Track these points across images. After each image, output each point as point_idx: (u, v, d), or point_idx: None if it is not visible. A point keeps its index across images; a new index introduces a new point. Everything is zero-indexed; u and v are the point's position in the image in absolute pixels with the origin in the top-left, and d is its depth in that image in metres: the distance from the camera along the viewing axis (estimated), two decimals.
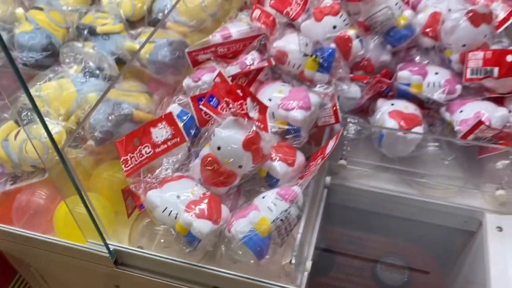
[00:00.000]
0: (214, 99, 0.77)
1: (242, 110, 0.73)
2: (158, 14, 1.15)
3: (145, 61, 1.01)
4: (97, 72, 0.97)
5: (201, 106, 0.78)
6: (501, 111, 0.84)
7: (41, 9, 1.09)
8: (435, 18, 0.94)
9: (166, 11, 1.14)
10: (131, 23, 1.16)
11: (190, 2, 1.12)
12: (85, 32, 1.07)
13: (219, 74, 0.79)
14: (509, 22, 0.97)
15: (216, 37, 0.97)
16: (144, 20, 1.17)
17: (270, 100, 0.81)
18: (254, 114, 0.74)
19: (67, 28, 1.11)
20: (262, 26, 0.88)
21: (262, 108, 0.75)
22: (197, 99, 0.81)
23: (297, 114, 0.78)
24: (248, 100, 0.73)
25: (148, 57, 1.00)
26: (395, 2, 0.91)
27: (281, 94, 0.81)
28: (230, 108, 0.73)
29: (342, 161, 0.91)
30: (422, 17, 0.95)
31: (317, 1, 0.95)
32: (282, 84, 0.85)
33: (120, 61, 1.06)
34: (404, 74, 0.92)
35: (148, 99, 0.92)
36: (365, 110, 0.97)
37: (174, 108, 0.84)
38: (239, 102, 0.74)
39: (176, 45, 1.01)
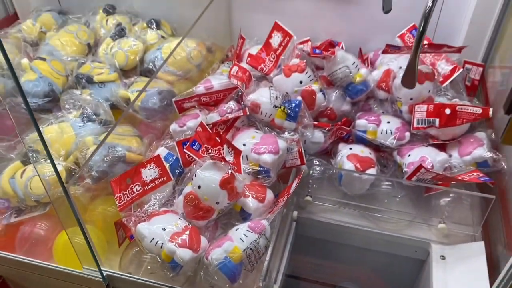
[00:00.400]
0: (196, 143, 0.91)
1: (220, 154, 0.87)
2: (149, 64, 1.29)
3: (137, 107, 1.14)
4: (94, 117, 1.10)
5: (185, 150, 0.92)
6: (442, 156, 0.99)
7: (44, 59, 1.23)
8: (388, 75, 1.09)
9: (156, 62, 1.28)
10: (125, 72, 1.30)
11: (177, 54, 1.27)
12: (83, 80, 1.20)
13: (201, 124, 0.92)
14: (452, 78, 1.13)
15: (199, 88, 1.11)
16: (136, 69, 1.31)
17: (244, 145, 0.94)
18: (229, 158, 0.87)
19: (66, 76, 1.25)
20: (238, 82, 1.02)
21: (237, 153, 0.88)
22: (181, 143, 0.94)
23: (267, 158, 0.91)
24: (225, 146, 0.87)
25: (140, 104, 1.13)
26: (352, 61, 1.07)
27: (254, 140, 0.95)
28: (210, 153, 0.86)
29: (308, 198, 1.04)
30: (377, 74, 1.11)
31: (287, 60, 1.11)
32: (255, 131, 0.99)
33: (114, 107, 1.19)
34: (361, 123, 1.07)
35: (139, 142, 1.05)
36: (329, 152, 1.11)
37: (161, 151, 0.97)
38: (217, 148, 0.87)
39: (165, 94, 1.15)
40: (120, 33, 1.31)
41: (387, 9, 0.87)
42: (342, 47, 1.27)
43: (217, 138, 0.88)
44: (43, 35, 1.40)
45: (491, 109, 0.99)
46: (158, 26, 1.39)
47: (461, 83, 1.20)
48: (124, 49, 1.28)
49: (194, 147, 0.91)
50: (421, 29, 0.65)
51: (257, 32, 1.40)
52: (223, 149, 0.88)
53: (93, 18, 1.43)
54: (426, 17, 0.65)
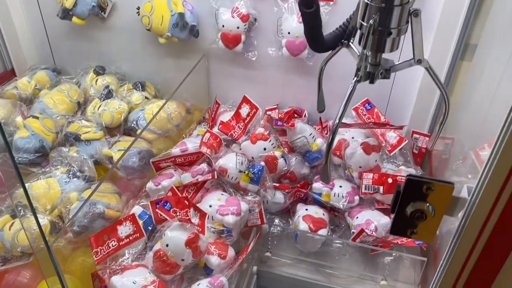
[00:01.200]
0: (168, 204, 1.03)
1: (187, 216, 0.99)
2: (132, 123, 1.43)
3: (118, 165, 1.27)
4: (79, 174, 1.23)
5: (157, 210, 1.04)
6: (385, 219, 1.12)
7: (37, 117, 1.36)
8: (341, 144, 1.24)
9: (139, 121, 1.42)
10: (110, 129, 1.43)
11: (158, 115, 1.41)
12: (71, 138, 1.33)
13: (171, 189, 1.05)
14: (399, 148, 1.28)
15: (175, 150, 1.24)
16: (120, 127, 1.45)
17: (210, 206, 1.07)
18: (195, 220, 1.00)
19: (56, 132, 1.38)
20: (208, 150, 1.16)
21: (202, 215, 1.01)
22: (155, 203, 1.07)
23: (230, 219, 1.04)
24: (192, 209, 1.00)
25: (121, 163, 1.26)
26: (310, 133, 1.22)
27: (219, 202, 1.08)
28: (177, 215, 0.98)
29: (268, 253, 1.16)
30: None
31: (253, 128, 1.25)
32: (222, 193, 1.12)
33: (98, 163, 1.32)
34: (317, 186, 1.20)
35: (117, 199, 1.17)
36: (289, 211, 1.24)
37: (137, 209, 1.09)
38: (184, 210, 1.00)
39: (144, 154, 1.28)
40: (107, 95, 1.45)
41: (320, 109, 1.03)
42: (305, 115, 1.42)
43: (186, 202, 1.01)
44: (38, 92, 1.54)
45: None
46: (143, 88, 1.54)
47: (409, 151, 1.35)
48: (111, 109, 1.42)
49: (165, 207, 1.04)
50: (329, 140, 0.77)
51: (232, 95, 1.56)
52: (190, 212, 1.00)
53: (84, 78, 1.57)
54: (333, 133, 0.77)
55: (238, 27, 1.32)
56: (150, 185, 1.19)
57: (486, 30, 1.12)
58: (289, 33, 1.29)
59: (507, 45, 1.00)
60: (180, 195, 1.05)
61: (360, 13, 0.69)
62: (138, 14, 1.40)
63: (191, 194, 1.11)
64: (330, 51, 0.84)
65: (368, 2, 0.65)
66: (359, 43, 0.73)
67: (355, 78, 0.75)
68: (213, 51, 1.44)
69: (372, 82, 0.78)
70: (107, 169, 1.32)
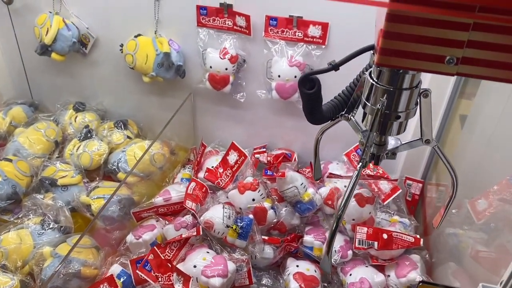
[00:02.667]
0: (148, 265, 0.96)
1: (170, 281, 0.92)
2: (113, 165, 1.36)
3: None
4: (54, 225, 1.14)
5: (137, 271, 0.97)
6: (380, 278, 1.07)
7: (10, 160, 1.27)
8: (333, 193, 1.19)
9: (119, 164, 1.35)
10: (88, 172, 1.35)
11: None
12: (47, 183, 1.25)
13: (153, 251, 0.98)
14: (393, 197, 1.23)
15: (158, 199, 1.17)
16: (100, 170, 1.37)
17: (195, 266, 1.00)
18: (178, 285, 0.92)
19: (31, 176, 1.29)
20: (192, 205, 1.09)
21: (186, 280, 0.94)
22: (135, 262, 1.00)
23: (216, 282, 0.97)
24: (175, 274, 0.92)
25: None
26: (301, 182, 1.16)
27: (204, 262, 1.01)
28: (159, 281, 0.91)
29: None
30: (324, 191, 1.20)
31: (242, 176, 1.19)
32: (207, 250, 1.05)
33: (74, 210, 1.24)
34: (308, 239, 1.14)
35: (95, 254, 1.09)
36: (279, 265, 1.18)
37: (116, 268, 1.02)
38: (167, 274, 0.93)
39: (124, 202, 1.20)
40: (86, 135, 1.38)
41: (317, 178, 0.96)
42: (295, 159, 1.37)
43: (168, 264, 0.93)
44: (13, 128, 1.46)
45: (421, 239, 1.08)
46: (125, 126, 1.46)
47: (402, 199, 1.30)
48: (90, 151, 1.34)
49: (146, 267, 0.97)
50: (333, 228, 0.69)
51: (218, 135, 1.50)
52: (172, 276, 0.93)
53: (63, 115, 1.50)
54: (338, 218, 0.68)
55: (226, 69, 1.27)
56: (130, 238, 1.11)
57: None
58: (279, 76, 1.24)
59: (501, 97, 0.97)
60: (163, 257, 0.97)
61: (364, 92, 0.63)
62: (122, 52, 1.34)
63: (174, 251, 1.04)
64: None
65: (374, 83, 0.59)
66: (362, 121, 0.67)
67: (360, 164, 0.68)
68: (200, 89, 1.38)
69: (377, 163, 0.71)
70: (84, 217, 1.24)
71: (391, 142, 0.70)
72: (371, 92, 0.60)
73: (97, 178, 1.33)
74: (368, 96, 0.61)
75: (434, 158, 1.31)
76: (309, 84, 0.66)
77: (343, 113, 0.71)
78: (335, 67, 0.65)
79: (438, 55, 0.47)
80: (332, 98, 0.73)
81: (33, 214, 1.16)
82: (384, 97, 0.59)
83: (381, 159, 0.70)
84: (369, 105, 0.61)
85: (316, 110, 0.69)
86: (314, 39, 1.20)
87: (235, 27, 1.24)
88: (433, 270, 1.14)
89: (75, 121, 1.47)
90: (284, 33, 1.22)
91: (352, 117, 0.70)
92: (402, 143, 0.71)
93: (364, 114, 0.64)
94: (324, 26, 1.18)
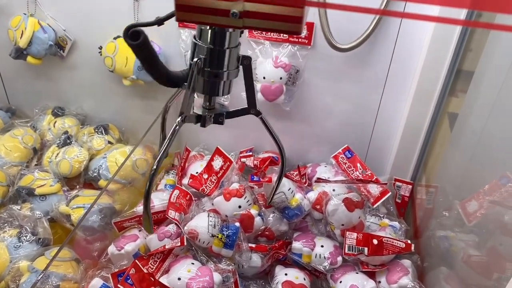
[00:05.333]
0: (130, 279, 0.92)
1: None
2: (93, 172, 1.31)
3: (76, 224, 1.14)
4: (32, 237, 1.09)
5: (119, 285, 0.92)
6: (371, 284, 1.04)
7: None
8: (321, 198, 1.15)
9: (100, 170, 1.30)
10: (68, 180, 1.30)
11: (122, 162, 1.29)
12: (24, 193, 1.19)
13: (134, 264, 0.94)
14: (382, 200, 1.20)
15: (140, 207, 1.13)
16: (80, 177, 1.32)
17: (179, 279, 0.96)
18: None
19: (8, 185, 1.24)
20: (176, 214, 1.05)
21: None
22: (116, 276, 0.95)
23: None
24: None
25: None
26: (288, 187, 1.13)
27: (189, 274, 0.96)
28: None
29: None
30: (312, 195, 1.17)
31: (227, 182, 1.15)
32: (192, 261, 1.01)
33: (53, 221, 1.19)
34: (297, 246, 1.11)
35: (75, 267, 1.04)
36: (268, 273, 1.14)
37: (96, 282, 0.97)
38: None
39: (106, 211, 1.16)
40: (66, 141, 1.32)
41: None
42: None
43: (151, 278, 0.89)
44: None
45: (413, 245, 1.06)
46: (106, 131, 1.41)
47: (392, 201, 1.28)
48: (69, 158, 1.29)
49: (128, 281, 0.92)
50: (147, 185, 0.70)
51: (203, 138, 1.46)
52: None
53: (41, 121, 1.44)
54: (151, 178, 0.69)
55: None
56: (112, 249, 1.06)
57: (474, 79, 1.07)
58: (264, 77, 1.20)
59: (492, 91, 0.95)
60: (145, 270, 0.93)
61: (190, 53, 0.68)
62: (101, 54, 1.29)
63: (157, 263, 1.00)
64: (177, 89, 0.78)
65: (196, 42, 0.65)
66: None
67: (179, 119, 0.71)
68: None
69: (203, 125, 0.77)
70: (64, 227, 1.19)
71: (218, 106, 0.77)
72: (194, 51, 0.66)
73: (77, 186, 1.28)
74: (192, 55, 0.67)
75: (424, 159, 1.29)
76: (134, 36, 0.63)
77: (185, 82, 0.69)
78: (159, 22, 0.70)
79: (224, 9, 0.53)
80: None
81: (9, 226, 1.11)
82: (205, 54, 0.65)
83: (207, 122, 0.76)
84: (191, 62, 0.66)
85: (157, 68, 0.67)
86: (300, 40, 1.17)
87: None
88: (425, 275, 1.11)
89: (54, 126, 1.42)
90: (269, 33, 1.18)
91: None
92: (229, 110, 0.77)
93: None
94: (310, 26, 1.14)
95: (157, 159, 0.69)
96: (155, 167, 0.68)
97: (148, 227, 0.74)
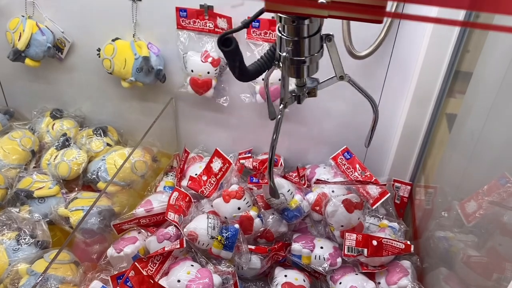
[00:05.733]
0: (129, 282, 0.91)
1: None
2: (92, 175, 1.30)
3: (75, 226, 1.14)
4: (31, 239, 1.09)
5: (118, 287, 0.92)
6: (371, 285, 1.04)
7: None
8: (321, 199, 1.15)
9: (99, 173, 1.30)
10: (67, 182, 1.30)
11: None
12: (23, 196, 1.19)
13: (133, 267, 0.93)
14: (381, 201, 1.20)
15: (140, 209, 1.13)
16: (79, 179, 1.32)
17: (179, 281, 0.96)
18: None
19: (6, 188, 1.24)
20: (175, 216, 1.05)
21: None
22: (116, 278, 0.95)
23: None
24: None
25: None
26: (288, 189, 1.13)
27: (189, 276, 0.96)
28: None
29: None
30: (312, 197, 1.17)
31: (226, 184, 1.15)
32: (191, 263, 1.00)
33: (52, 223, 1.18)
34: (296, 247, 1.11)
35: (74, 270, 1.04)
36: (267, 274, 1.14)
37: (96, 284, 0.97)
38: None
39: (104, 214, 1.15)
40: (64, 143, 1.32)
41: (272, 117, 0.99)
42: (281, 164, 1.34)
43: (151, 281, 0.89)
44: None
45: (412, 246, 1.06)
46: (104, 133, 1.41)
47: (391, 202, 1.28)
48: (68, 160, 1.29)
49: (127, 283, 0.92)
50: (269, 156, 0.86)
51: (202, 139, 1.46)
52: None
53: (39, 123, 1.44)
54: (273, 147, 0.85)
55: (208, 72, 1.23)
56: (111, 251, 1.06)
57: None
58: (263, 79, 1.20)
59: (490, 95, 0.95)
60: (145, 273, 0.93)
61: (277, 46, 0.74)
62: (99, 56, 1.29)
63: (157, 265, 1.00)
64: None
65: (282, 35, 0.71)
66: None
67: (281, 106, 0.82)
68: (182, 94, 1.34)
69: (299, 102, 0.84)
70: (63, 229, 1.19)
71: (309, 82, 0.83)
72: (281, 44, 0.72)
73: (76, 189, 1.28)
74: (280, 48, 0.73)
75: (423, 160, 1.29)
76: (227, 43, 0.73)
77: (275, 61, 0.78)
78: (246, 25, 0.74)
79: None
80: (256, 61, 0.81)
81: (7, 229, 1.11)
82: (290, 46, 0.71)
83: (302, 99, 0.84)
84: (280, 54, 0.73)
85: (241, 68, 0.78)
86: None
87: (216, 29, 1.20)
88: (424, 276, 1.11)
89: (52, 129, 1.42)
90: (268, 35, 1.18)
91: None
92: (319, 82, 0.84)
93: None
94: None
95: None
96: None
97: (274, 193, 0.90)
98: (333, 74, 0.83)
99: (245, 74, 0.80)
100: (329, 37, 0.74)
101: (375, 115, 0.94)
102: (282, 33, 0.71)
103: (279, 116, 0.82)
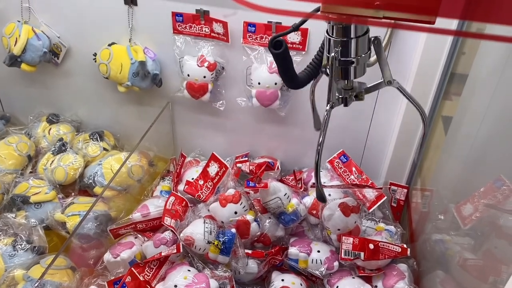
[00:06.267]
0: (126, 287, 0.91)
1: None
2: (89, 179, 1.30)
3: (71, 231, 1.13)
4: (27, 245, 1.09)
5: None
6: None
7: None
8: (318, 202, 1.15)
9: (96, 178, 1.30)
10: (64, 187, 1.30)
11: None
12: (19, 201, 1.19)
13: (130, 272, 0.93)
14: (378, 204, 1.21)
15: (136, 214, 1.13)
16: (75, 184, 1.32)
17: (176, 286, 0.95)
18: None
19: (2, 193, 1.23)
20: (172, 221, 1.05)
21: None
22: (112, 283, 0.95)
23: None
24: None
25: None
26: (284, 193, 1.13)
27: (185, 281, 0.96)
28: None
29: None
30: (308, 200, 1.17)
31: (223, 188, 1.15)
32: (188, 268, 1.00)
33: (49, 229, 1.18)
34: (293, 251, 1.11)
35: (71, 275, 1.04)
36: (264, 279, 1.14)
37: None
38: None
39: (101, 219, 1.15)
40: (61, 148, 1.32)
41: (317, 127, 1.02)
42: (278, 167, 1.34)
43: (147, 286, 0.89)
44: None
45: (409, 249, 1.06)
46: (101, 138, 1.41)
47: (387, 205, 1.28)
48: (64, 165, 1.29)
49: None
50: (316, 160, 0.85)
51: (199, 143, 1.46)
52: None
53: (36, 128, 1.44)
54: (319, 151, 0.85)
55: (204, 76, 1.23)
56: (108, 256, 1.06)
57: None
58: (259, 83, 1.21)
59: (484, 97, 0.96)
60: (141, 278, 0.93)
61: (325, 48, 0.76)
62: (95, 61, 1.29)
63: (154, 270, 0.99)
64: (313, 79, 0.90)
65: (330, 37, 0.73)
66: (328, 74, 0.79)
67: (329, 105, 0.83)
68: (178, 98, 1.34)
69: (346, 105, 0.85)
70: (59, 235, 1.19)
71: (356, 85, 0.84)
72: (329, 45, 0.74)
73: (73, 194, 1.28)
74: (328, 50, 0.75)
75: (419, 163, 1.29)
76: (277, 46, 0.75)
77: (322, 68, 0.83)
78: (295, 28, 0.78)
79: (368, 1, 0.56)
80: (305, 68, 0.85)
81: (4, 235, 1.10)
82: (338, 47, 0.73)
83: (349, 101, 0.85)
84: (328, 55, 0.75)
85: (291, 73, 0.81)
86: (294, 45, 1.17)
87: (212, 34, 1.20)
88: (421, 279, 1.11)
89: (48, 133, 1.42)
90: (263, 39, 1.18)
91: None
92: (367, 86, 0.84)
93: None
94: (304, 32, 1.15)
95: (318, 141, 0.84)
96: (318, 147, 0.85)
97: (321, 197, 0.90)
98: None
99: (295, 80, 0.82)
100: (376, 40, 0.75)
101: (424, 128, 0.90)
102: (330, 34, 0.73)
103: (326, 117, 0.83)
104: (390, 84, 0.81)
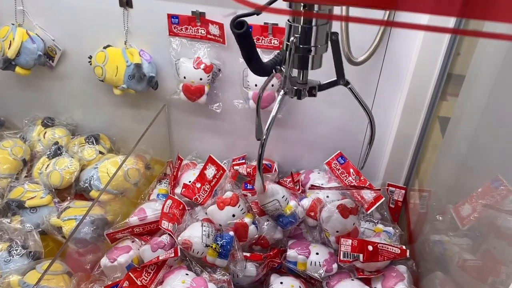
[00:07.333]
0: None
1: None
2: (85, 183, 1.29)
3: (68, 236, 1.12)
4: (22, 250, 1.07)
5: None
6: None
7: None
8: (315, 204, 1.15)
9: (92, 181, 1.28)
10: (59, 191, 1.29)
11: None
12: (14, 206, 1.18)
13: (127, 277, 0.92)
14: (376, 205, 1.20)
15: (133, 218, 1.12)
16: (71, 188, 1.30)
17: None
18: None
19: None
20: (169, 225, 1.04)
21: None
22: None
23: None
24: None
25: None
26: (282, 195, 1.12)
27: (183, 285, 0.95)
28: None
29: None
30: (306, 202, 1.16)
31: (221, 191, 1.14)
32: (186, 272, 0.99)
33: (44, 233, 1.17)
34: (291, 254, 1.10)
35: (67, 281, 1.02)
36: (263, 282, 1.13)
37: None
38: None
39: (98, 223, 1.14)
40: (56, 152, 1.31)
41: (258, 137, 1.02)
42: (275, 169, 1.33)
43: None
44: None
45: (408, 251, 1.06)
46: (97, 141, 1.40)
47: (385, 206, 1.28)
48: (60, 169, 1.27)
49: None
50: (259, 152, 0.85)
51: (196, 146, 1.45)
52: None
53: (31, 132, 1.42)
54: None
55: (201, 79, 1.22)
56: (104, 261, 1.05)
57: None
58: (256, 85, 1.20)
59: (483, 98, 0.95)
60: (139, 282, 0.92)
61: (285, 34, 0.76)
62: (90, 64, 1.28)
63: (151, 274, 0.98)
64: (266, 78, 0.91)
65: (290, 23, 0.74)
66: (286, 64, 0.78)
67: (282, 92, 0.83)
68: (175, 100, 1.33)
69: (299, 98, 0.85)
70: (55, 239, 1.17)
71: (311, 81, 0.84)
72: (289, 33, 0.74)
73: (69, 198, 1.27)
74: (288, 37, 0.75)
75: (416, 164, 1.29)
76: (239, 26, 0.74)
77: (277, 66, 0.82)
78: (257, 13, 0.74)
79: None
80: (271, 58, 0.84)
81: None
82: (298, 33, 0.73)
83: (302, 95, 0.84)
84: (286, 43, 0.75)
85: (255, 56, 0.79)
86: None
87: (208, 36, 1.20)
88: (420, 280, 1.11)
89: (44, 137, 1.41)
90: (260, 41, 1.18)
91: (282, 68, 0.82)
92: (321, 83, 0.85)
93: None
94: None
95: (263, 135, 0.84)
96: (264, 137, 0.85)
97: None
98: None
99: (256, 65, 0.82)
100: (334, 35, 0.76)
101: (372, 131, 0.93)
102: (291, 21, 0.74)
103: (280, 97, 0.84)
104: (342, 83, 0.84)
